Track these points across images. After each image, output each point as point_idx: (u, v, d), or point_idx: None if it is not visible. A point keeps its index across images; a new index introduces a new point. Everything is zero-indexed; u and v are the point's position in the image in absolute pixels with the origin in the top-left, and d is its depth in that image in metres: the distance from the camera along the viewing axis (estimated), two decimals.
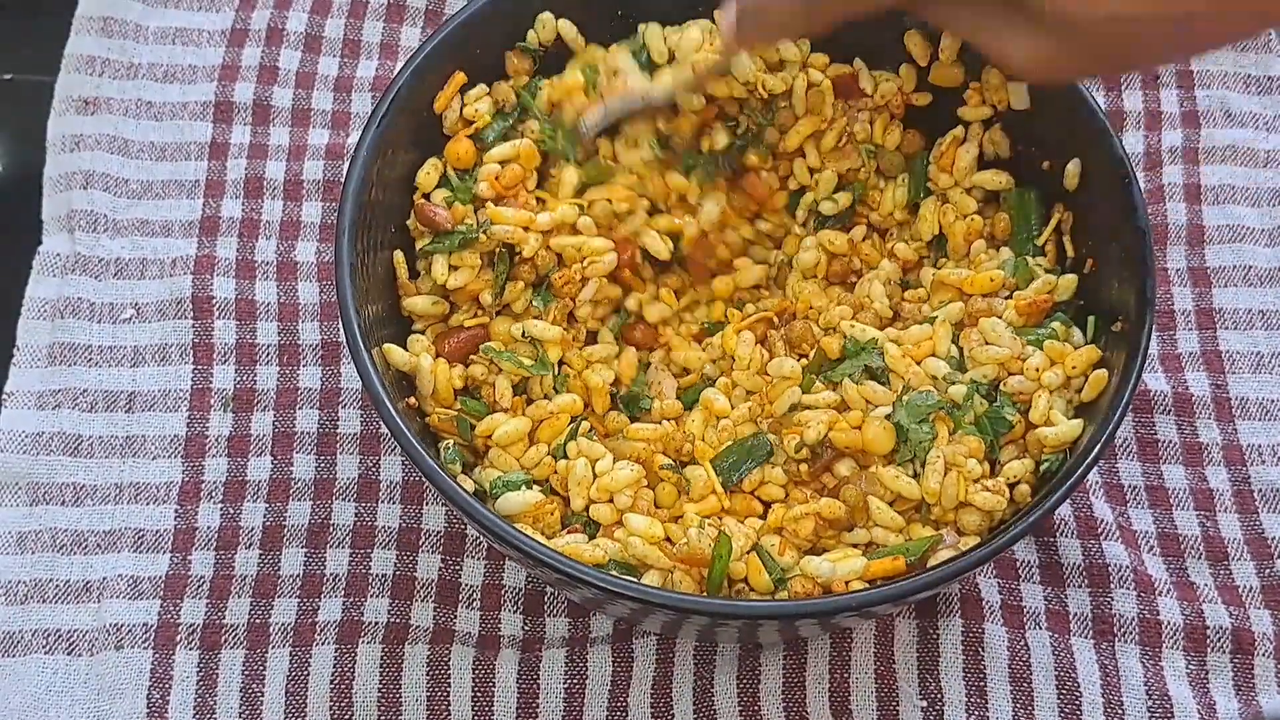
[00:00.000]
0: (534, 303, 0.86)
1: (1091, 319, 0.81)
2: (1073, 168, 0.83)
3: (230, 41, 1.07)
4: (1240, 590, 0.87)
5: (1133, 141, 1.02)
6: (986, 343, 0.82)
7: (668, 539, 0.79)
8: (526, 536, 0.72)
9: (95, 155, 1.02)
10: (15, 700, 0.85)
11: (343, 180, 0.86)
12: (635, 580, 0.77)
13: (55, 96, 1.04)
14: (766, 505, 0.81)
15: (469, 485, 0.81)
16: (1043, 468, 0.78)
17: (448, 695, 0.85)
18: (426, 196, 0.87)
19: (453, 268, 0.85)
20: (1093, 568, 0.87)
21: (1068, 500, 0.77)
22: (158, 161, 1.03)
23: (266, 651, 0.86)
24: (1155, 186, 1.00)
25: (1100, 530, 0.88)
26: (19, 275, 0.98)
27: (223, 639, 0.87)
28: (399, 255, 0.85)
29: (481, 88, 0.89)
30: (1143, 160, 1.02)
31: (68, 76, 1.05)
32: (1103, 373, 0.79)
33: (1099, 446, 0.73)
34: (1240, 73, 1.04)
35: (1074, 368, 0.79)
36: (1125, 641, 0.85)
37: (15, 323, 0.96)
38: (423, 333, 0.86)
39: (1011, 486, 0.79)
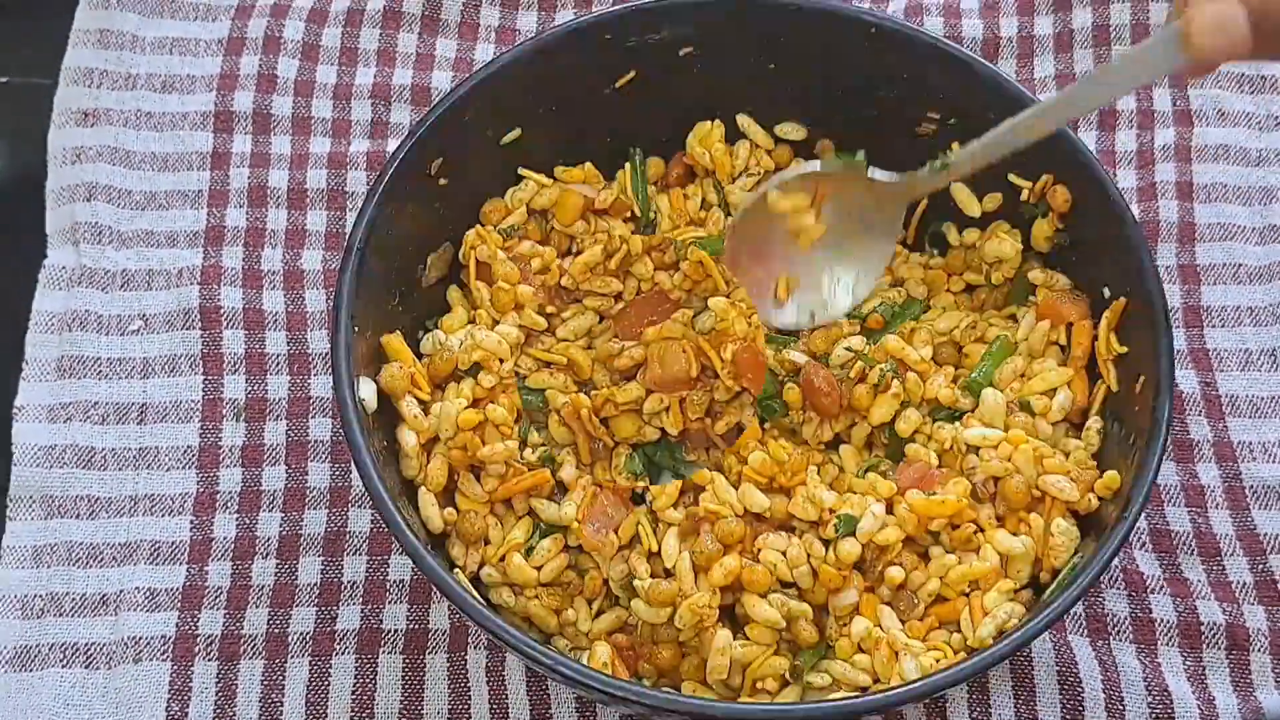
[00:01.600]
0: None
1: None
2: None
3: (227, 50, 1.07)
4: (1233, 586, 0.89)
5: (1125, 139, 1.03)
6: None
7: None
8: (545, 651, 0.72)
9: (97, 167, 1.01)
10: (33, 715, 0.85)
11: (350, 224, 0.88)
12: (674, 692, 0.77)
13: (55, 109, 1.04)
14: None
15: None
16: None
17: (468, 704, 0.86)
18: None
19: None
20: None
21: None
22: (160, 172, 1.02)
23: (285, 661, 0.87)
24: (1148, 184, 1.01)
25: None
26: (18, 276, 0.99)
27: (241, 649, 0.87)
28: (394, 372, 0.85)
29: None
30: (1135, 158, 1.02)
31: (66, 89, 1.04)
32: (1114, 474, 0.80)
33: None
34: (1234, 72, 1.05)
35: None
36: (1120, 639, 0.87)
37: (14, 327, 0.97)
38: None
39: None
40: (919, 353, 0.84)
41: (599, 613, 0.82)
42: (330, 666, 0.86)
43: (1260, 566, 0.89)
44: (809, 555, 0.79)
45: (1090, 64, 1.05)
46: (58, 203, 1.00)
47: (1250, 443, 0.93)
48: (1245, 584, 0.89)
